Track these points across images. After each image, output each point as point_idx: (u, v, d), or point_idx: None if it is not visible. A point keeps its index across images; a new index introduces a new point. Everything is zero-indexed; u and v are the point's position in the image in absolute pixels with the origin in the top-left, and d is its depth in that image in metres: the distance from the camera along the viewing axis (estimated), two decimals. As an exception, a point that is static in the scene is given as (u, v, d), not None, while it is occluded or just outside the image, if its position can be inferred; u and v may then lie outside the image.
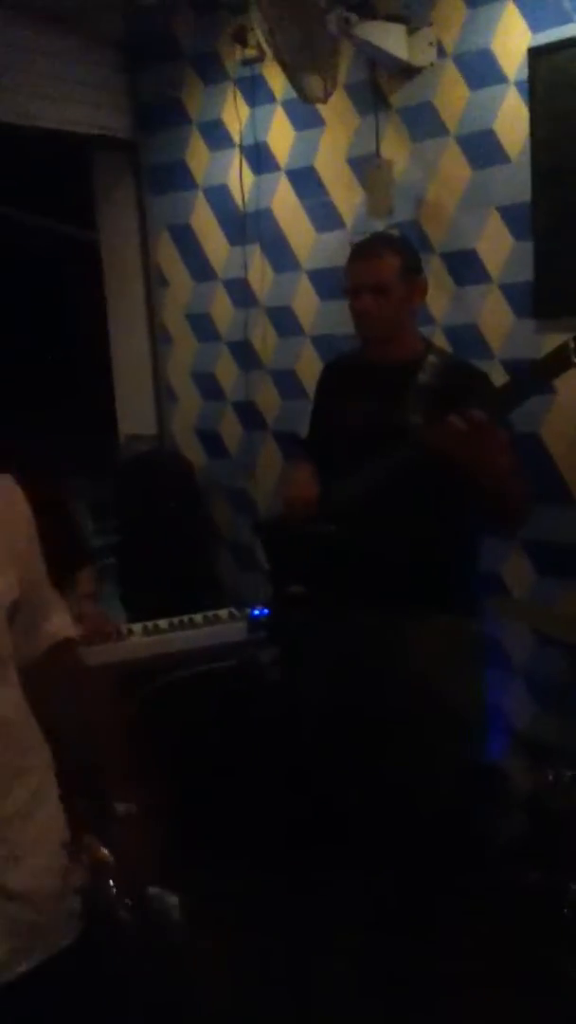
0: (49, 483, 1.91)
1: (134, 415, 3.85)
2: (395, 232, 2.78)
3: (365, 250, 2.31)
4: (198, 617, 2.83)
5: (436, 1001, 2.01)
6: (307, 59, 2.63)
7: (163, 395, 3.74)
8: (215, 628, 2.78)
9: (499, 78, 2.61)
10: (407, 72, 2.78)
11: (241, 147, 3.22)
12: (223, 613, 2.89)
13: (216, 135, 3.31)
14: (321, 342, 3.14)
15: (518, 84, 2.56)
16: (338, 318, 2.95)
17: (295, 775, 2.33)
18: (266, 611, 2.92)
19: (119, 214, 3.76)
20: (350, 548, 2.19)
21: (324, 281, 3.08)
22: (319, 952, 2.16)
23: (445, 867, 2.08)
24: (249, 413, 3.43)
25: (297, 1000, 2.01)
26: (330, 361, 2.68)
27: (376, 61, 2.80)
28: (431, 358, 2.30)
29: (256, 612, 2.89)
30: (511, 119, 2.60)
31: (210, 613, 2.86)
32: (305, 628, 2.31)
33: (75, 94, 3.41)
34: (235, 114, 3.21)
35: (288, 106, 3.08)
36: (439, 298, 2.77)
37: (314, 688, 2.34)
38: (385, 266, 2.25)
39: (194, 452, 3.64)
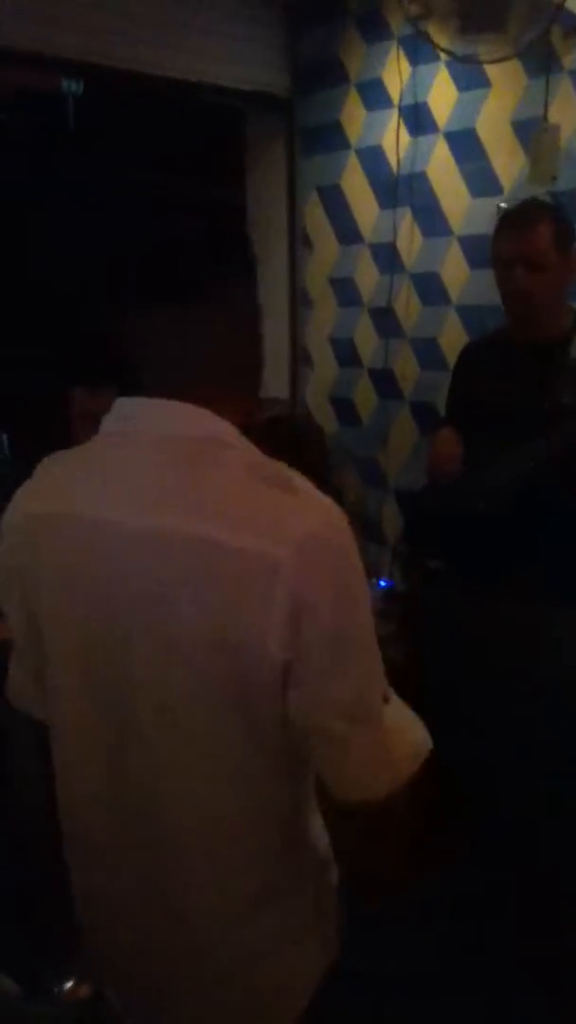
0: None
1: (268, 379, 3.83)
2: (546, 199, 2.66)
3: (518, 219, 2.19)
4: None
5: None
6: (481, 17, 2.55)
7: (299, 359, 3.71)
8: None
9: None
10: (584, 31, 2.65)
11: (400, 107, 3.14)
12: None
13: (374, 95, 3.24)
14: (468, 312, 3.04)
15: None
16: (487, 288, 2.85)
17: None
18: (391, 583, 2.88)
19: (269, 175, 3.73)
20: (499, 530, 2.11)
21: (476, 249, 2.98)
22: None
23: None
24: (386, 381, 3.36)
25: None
26: (469, 342, 2.59)
27: (551, 18, 2.67)
28: None
29: (382, 583, 2.85)
30: None
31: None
32: (440, 604, 2.25)
33: (235, 52, 3.38)
34: (396, 73, 3.12)
35: (452, 66, 2.97)
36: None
37: (446, 666, 2.29)
38: (540, 237, 2.12)
39: (326, 418, 3.60)
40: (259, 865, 1.12)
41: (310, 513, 1.01)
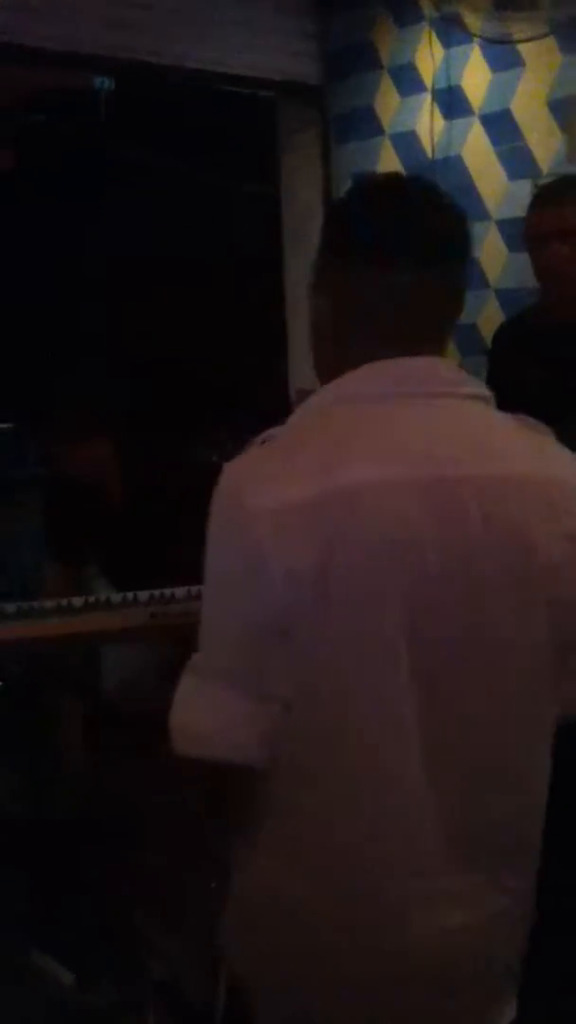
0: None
1: (306, 370, 3.82)
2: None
3: (552, 194, 2.15)
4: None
5: None
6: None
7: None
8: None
9: None
10: (620, 5, 2.60)
11: (433, 91, 3.10)
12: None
13: (407, 79, 3.20)
14: (507, 296, 3.01)
15: None
16: (526, 271, 2.81)
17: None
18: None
19: (302, 165, 3.72)
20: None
21: (514, 231, 2.93)
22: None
23: None
24: (425, 369, 3.33)
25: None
26: (501, 324, 2.55)
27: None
28: None
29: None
30: None
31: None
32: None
33: (265, 41, 3.37)
34: (429, 56, 3.09)
35: (485, 46, 2.93)
36: None
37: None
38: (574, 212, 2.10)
39: (366, 408, 3.58)
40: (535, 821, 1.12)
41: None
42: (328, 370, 1.13)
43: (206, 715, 1.03)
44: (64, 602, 2.16)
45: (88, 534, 2.52)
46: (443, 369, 1.09)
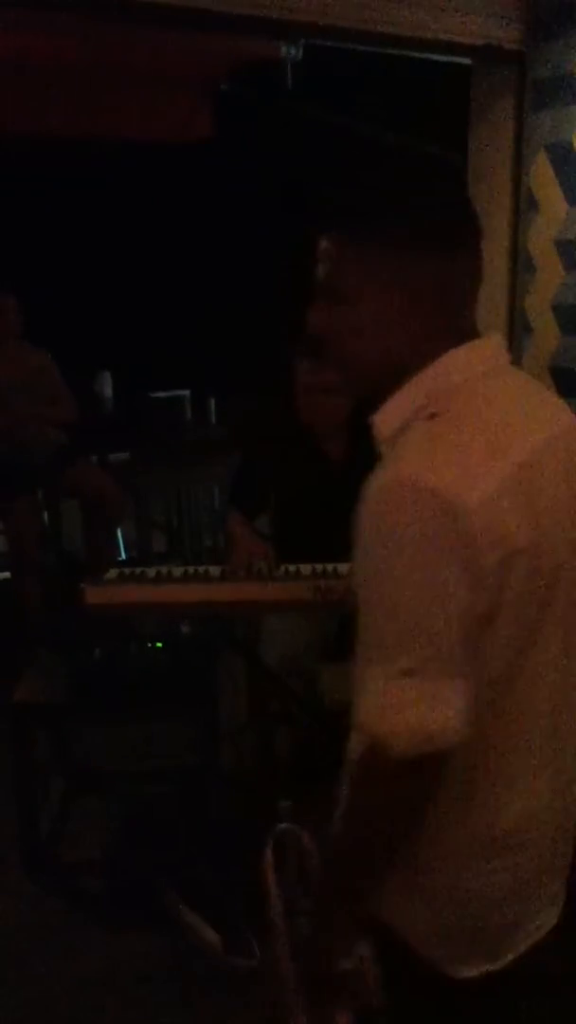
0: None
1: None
2: None
3: None
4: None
5: None
6: None
7: (517, 327, 3.55)
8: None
9: None
10: None
11: None
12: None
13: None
14: None
15: None
16: None
17: None
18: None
19: (493, 133, 3.56)
20: None
21: None
22: None
23: None
24: (613, 352, 3.15)
25: None
26: None
27: None
28: None
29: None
30: None
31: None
32: None
33: (467, 2, 3.23)
34: None
35: None
36: None
37: None
38: None
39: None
40: None
41: None
42: (398, 358, 1.17)
43: (432, 711, 1.00)
44: (229, 570, 2.18)
45: (269, 489, 2.65)
46: (503, 343, 1.25)
